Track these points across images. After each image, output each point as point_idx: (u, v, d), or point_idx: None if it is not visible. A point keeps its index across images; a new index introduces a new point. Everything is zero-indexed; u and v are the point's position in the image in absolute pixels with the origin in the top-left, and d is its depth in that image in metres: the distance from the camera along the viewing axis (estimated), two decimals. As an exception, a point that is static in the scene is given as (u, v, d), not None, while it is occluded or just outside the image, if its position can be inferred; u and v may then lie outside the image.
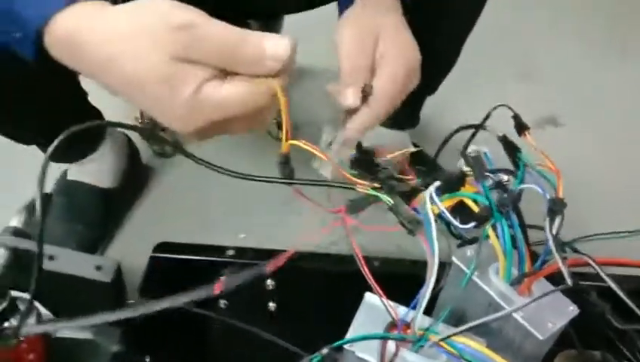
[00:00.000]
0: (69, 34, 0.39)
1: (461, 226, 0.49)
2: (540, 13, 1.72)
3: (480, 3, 0.84)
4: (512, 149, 0.55)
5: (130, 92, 0.40)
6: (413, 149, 0.66)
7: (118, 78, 0.39)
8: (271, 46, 0.40)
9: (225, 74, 0.41)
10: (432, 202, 0.48)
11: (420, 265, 0.49)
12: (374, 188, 0.50)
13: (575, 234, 0.57)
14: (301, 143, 0.48)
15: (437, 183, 0.49)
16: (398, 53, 0.58)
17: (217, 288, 0.45)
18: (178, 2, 0.40)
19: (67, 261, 0.53)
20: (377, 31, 0.58)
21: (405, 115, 1.02)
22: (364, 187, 0.50)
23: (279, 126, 0.45)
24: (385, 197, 0.49)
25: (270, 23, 0.97)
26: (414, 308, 0.48)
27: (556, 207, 0.46)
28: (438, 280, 0.48)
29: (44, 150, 0.91)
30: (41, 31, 0.40)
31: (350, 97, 0.56)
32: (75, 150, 0.93)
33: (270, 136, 1.10)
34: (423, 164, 1.01)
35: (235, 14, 0.80)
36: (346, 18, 0.61)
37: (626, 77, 1.51)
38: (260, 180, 0.53)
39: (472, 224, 0.49)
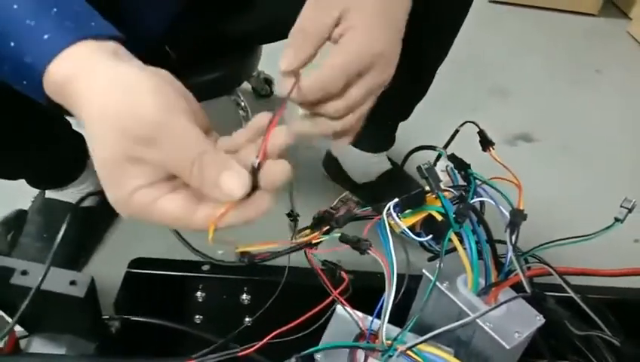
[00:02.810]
0: (62, 81, 0.39)
1: (417, 239, 0.51)
2: (515, 32, 1.77)
3: (454, 29, 0.86)
4: (461, 166, 0.57)
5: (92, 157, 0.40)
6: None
7: (85, 136, 0.39)
8: (226, 179, 0.38)
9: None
10: (389, 217, 0.50)
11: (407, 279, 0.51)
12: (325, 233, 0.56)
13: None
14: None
15: (395, 200, 0.51)
16: (360, 31, 0.50)
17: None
18: (161, 82, 0.38)
19: (40, 276, 0.53)
20: (347, 6, 0.50)
21: (380, 138, 1.05)
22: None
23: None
24: (332, 235, 0.55)
25: (247, 54, 0.99)
26: (378, 317, 0.49)
27: (516, 219, 0.48)
28: (398, 291, 0.49)
29: (31, 183, 0.91)
30: (41, 75, 0.40)
31: (285, 59, 0.49)
32: (57, 180, 0.94)
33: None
34: (401, 180, 1.05)
35: (210, 45, 0.82)
36: None
37: (600, 95, 1.55)
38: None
39: (429, 236, 0.51)
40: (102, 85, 0.38)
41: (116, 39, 0.41)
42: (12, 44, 0.40)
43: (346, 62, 0.49)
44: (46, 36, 0.39)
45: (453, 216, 0.50)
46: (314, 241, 0.56)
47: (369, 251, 0.52)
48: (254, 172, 0.39)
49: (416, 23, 0.54)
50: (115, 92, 0.37)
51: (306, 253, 0.57)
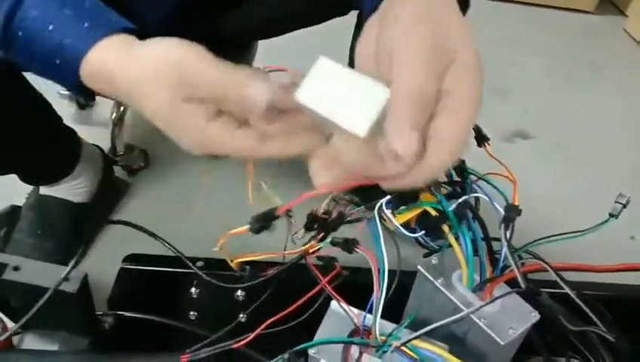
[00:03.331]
0: (101, 67, 0.45)
1: (410, 235, 0.51)
2: (512, 29, 1.77)
3: None
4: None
5: (152, 121, 0.44)
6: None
7: (140, 110, 0.44)
8: (250, 92, 0.41)
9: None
10: (381, 214, 0.50)
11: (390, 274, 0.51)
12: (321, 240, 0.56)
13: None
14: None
15: (387, 197, 0.51)
16: (469, 77, 0.39)
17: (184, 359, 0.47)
18: (182, 41, 0.43)
19: (32, 271, 0.53)
20: (451, 37, 0.39)
21: None
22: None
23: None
24: (324, 243, 0.56)
25: (243, 50, 0.98)
26: (370, 312, 0.49)
27: (510, 214, 0.48)
28: (389, 287, 0.49)
29: (23, 179, 0.91)
30: (79, 60, 0.45)
31: (408, 142, 0.37)
32: (49, 175, 0.93)
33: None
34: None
35: (205, 41, 0.82)
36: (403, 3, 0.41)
37: (596, 92, 1.55)
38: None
39: (422, 232, 0.51)
40: (141, 59, 0.43)
41: (132, 32, 0.47)
42: (50, 27, 0.46)
43: (463, 134, 0.38)
44: (86, 24, 0.45)
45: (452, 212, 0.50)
46: (311, 250, 0.57)
47: (357, 250, 0.54)
48: None
49: None
50: (153, 59, 0.43)
51: (306, 260, 0.59)
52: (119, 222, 0.58)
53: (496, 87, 1.51)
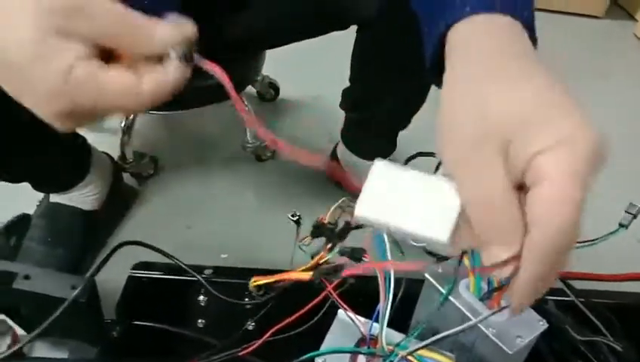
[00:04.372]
0: None
1: (416, 243, 0.51)
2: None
3: None
4: None
5: (6, 67, 0.35)
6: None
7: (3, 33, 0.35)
8: (162, 28, 0.37)
9: (106, 56, 0.37)
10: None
11: (396, 283, 0.51)
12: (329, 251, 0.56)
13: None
14: None
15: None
16: (563, 151, 0.32)
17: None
18: None
19: (42, 280, 0.53)
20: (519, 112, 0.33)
21: (381, 146, 1.06)
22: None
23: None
24: (333, 254, 0.55)
25: (251, 59, 0.99)
26: (376, 321, 0.49)
27: None
28: (395, 295, 0.49)
29: (35, 187, 0.92)
30: None
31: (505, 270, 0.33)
32: (61, 183, 0.94)
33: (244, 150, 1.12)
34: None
35: (213, 51, 0.83)
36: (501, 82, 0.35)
37: (605, 97, 1.54)
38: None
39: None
40: None
41: None
42: None
43: (568, 191, 0.31)
44: None
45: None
46: (320, 262, 0.57)
47: (364, 258, 0.53)
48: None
49: (413, 42, 0.54)
50: None
51: (322, 282, 0.57)
52: (128, 243, 0.58)
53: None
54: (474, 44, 0.38)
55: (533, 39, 0.41)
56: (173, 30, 0.37)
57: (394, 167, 0.36)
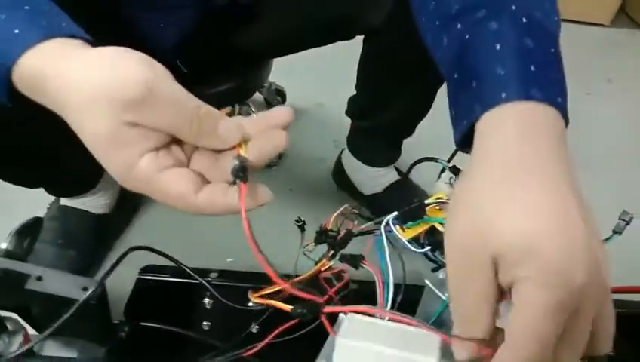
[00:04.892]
0: (34, 74, 0.39)
1: (417, 250, 0.52)
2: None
3: None
4: None
5: (82, 139, 0.39)
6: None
7: (71, 124, 0.39)
8: (223, 126, 0.39)
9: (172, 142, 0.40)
10: (387, 230, 0.52)
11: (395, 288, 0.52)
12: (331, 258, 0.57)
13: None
14: None
15: (394, 214, 0.53)
16: (532, 280, 0.33)
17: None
18: (143, 57, 0.38)
19: (54, 281, 0.55)
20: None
21: (385, 154, 1.07)
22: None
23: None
24: (334, 261, 0.56)
25: (258, 66, 1.01)
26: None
27: None
28: (394, 301, 0.51)
29: (49, 191, 0.94)
30: (10, 69, 0.39)
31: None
32: (75, 189, 0.97)
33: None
34: (407, 190, 1.07)
35: (221, 59, 0.85)
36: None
37: (611, 105, 1.55)
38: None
39: (428, 248, 0.53)
40: (86, 63, 0.38)
41: (85, 41, 0.41)
42: None
43: (535, 326, 0.33)
44: (17, 31, 0.39)
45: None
46: (322, 269, 0.58)
47: (363, 265, 0.54)
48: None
49: (417, 49, 0.55)
50: (101, 66, 0.37)
51: (319, 280, 0.59)
52: (138, 248, 0.60)
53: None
54: (501, 140, 0.38)
55: (566, 120, 0.43)
56: (234, 128, 0.40)
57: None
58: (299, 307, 0.48)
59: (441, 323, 0.57)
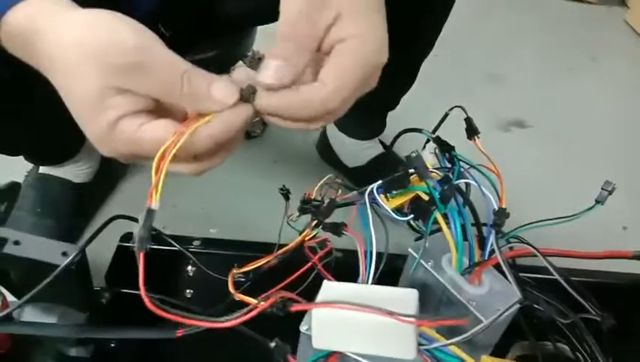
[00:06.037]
0: (23, 30, 0.38)
1: (401, 219, 0.52)
2: (512, 18, 1.77)
3: (438, 28, 0.86)
4: (447, 148, 0.58)
5: (64, 99, 0.39)
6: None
7: (56, 83, 0.39)
8: (216, 89, 0.39)
9: (157, 108, 0.40)
10: (371, 198, 0.52)
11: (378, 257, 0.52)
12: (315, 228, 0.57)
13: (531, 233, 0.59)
14: None
15: (379, 182, 0.52)
16: (358, 42, 0.43)
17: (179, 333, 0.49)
18: (133, 22, 0.38)
19: (32, 246, 0.54)
20: (338, 4, 0.42)
21: (369, 126, 1.07)
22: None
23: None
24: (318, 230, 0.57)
25: (241, 35, 0.99)
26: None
27: (499, 220, 0.49)
28: (377, 269, 0.51)
29: (29, 159, 0.92)
30: None
31: (271, 71, 0.41)
32: (55, 157, 0.95)
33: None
34: (391, 163, 1.06)
35: (204, 25, 0.83)
36: None
37: (595, 83, 1.56)
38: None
39: (411, 216, 0.53)
40: (79, 23, 0.38)
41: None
42: None
43: (346, 81, 0.42)
44: None
45: (439, 197, 0.51)
46: (306, 239, 0.58)
47: (345, 232, 0.55)
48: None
49: (402, 20, 0.54)
50: (97, 27, 0.37)
51: (304, 249, 0.59)
52: (121, 216, 0.59)
53: (494, 75, 1.51)
54: None
55: None
56: (228, 92, 0.40)
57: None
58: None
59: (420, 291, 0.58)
